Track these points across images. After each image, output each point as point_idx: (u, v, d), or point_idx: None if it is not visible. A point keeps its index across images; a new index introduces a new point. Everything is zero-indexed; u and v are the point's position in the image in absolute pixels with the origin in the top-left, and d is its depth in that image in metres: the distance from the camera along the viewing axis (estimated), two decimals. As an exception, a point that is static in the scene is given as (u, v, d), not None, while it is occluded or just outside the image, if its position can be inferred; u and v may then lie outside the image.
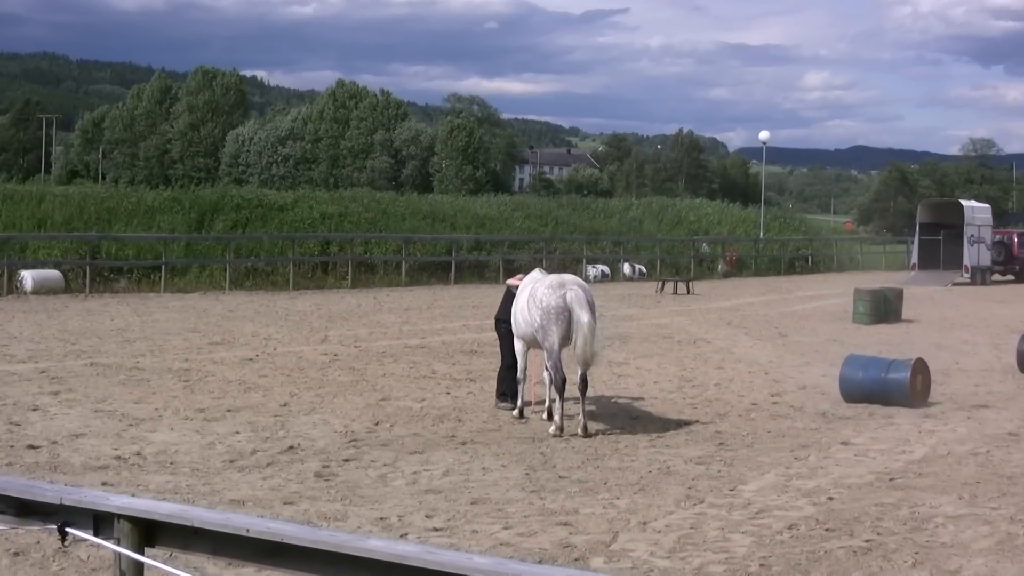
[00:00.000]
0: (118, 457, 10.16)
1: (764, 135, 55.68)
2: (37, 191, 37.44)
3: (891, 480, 9.86)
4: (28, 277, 27.15)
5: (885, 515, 8.58)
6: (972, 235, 43.61)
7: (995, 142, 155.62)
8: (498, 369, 13.75)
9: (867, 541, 7.87)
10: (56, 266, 28.47)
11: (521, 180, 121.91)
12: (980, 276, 43.36)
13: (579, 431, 11.70)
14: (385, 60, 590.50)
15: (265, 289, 30.88)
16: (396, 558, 3.57)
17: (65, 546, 4.52)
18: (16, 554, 7.14)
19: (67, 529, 4.19)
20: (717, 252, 47.23)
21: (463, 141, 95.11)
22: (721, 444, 11.42)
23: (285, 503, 8.68)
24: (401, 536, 7.71)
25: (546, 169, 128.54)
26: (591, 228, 44.96)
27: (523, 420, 12.59)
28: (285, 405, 13.10)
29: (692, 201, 62.71)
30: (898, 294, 26.89)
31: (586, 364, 11.82)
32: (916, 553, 7.59)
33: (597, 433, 11.88)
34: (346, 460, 10.27)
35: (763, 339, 21.43)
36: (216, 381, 14.66)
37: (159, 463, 10.00)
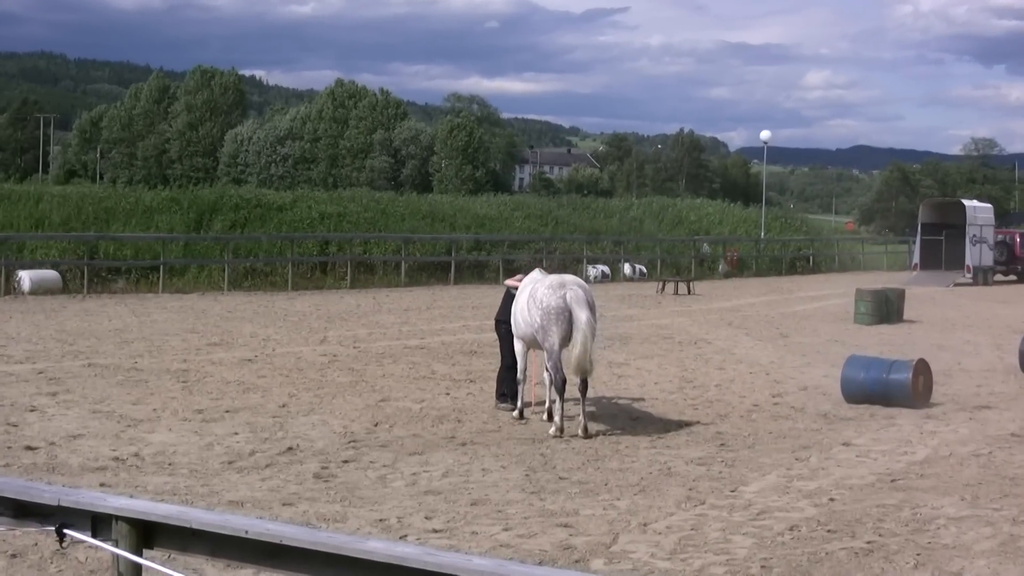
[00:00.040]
0: (116, 458, 10.12)
1: (765, 135, 55.69)
2: (35, 191, 37.39)
3: (893, 481, 9.83)
4: (26, 277, 27.10)
5: (887, 516, 8.55)
6: (974, 235, 43.56)
7: (997, 142, 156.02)
8: (498, 370, 13.73)
9: (869, 542, 7.84)
10: (54, 266, 28.43)
11: (521, 180, 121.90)
12: (982, 276, 43.33)
13: (579, 432, 11.67)
14: (385, 59, 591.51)
15: (264, 289, 30.85)
16: (395, 560, 3.55)
17: (63, 548, 4.50)
18: (14, 556, 7.11)
19: (65, 531, 4.18)
20: (718, 252, 47.20)
21: (463, 141, 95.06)
22: (722, 445, 11.39)
23: (284, 504, 8.65)
24: (400, 537, 7.68)
25: (546, 169, 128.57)
26: (591, 228, 44.92)
27: (523, 421, 12.56)
28: (284, 406, 13.06)
29: (693, 201, 62.68)
30: (900, 294, 26.85)
31: (583, 371, 11.71)
32: (918, 555, 7.56)
33: (597, 434, 11.85)
34: (345, 461, 10.23)
35: (764, 340, 21.40)
36: (215, 382, 14.63)
37: (157, 464, 9.97)
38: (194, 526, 3.97)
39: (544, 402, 12.72)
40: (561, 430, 11.69)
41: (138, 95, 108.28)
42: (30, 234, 30.06)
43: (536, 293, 12.08)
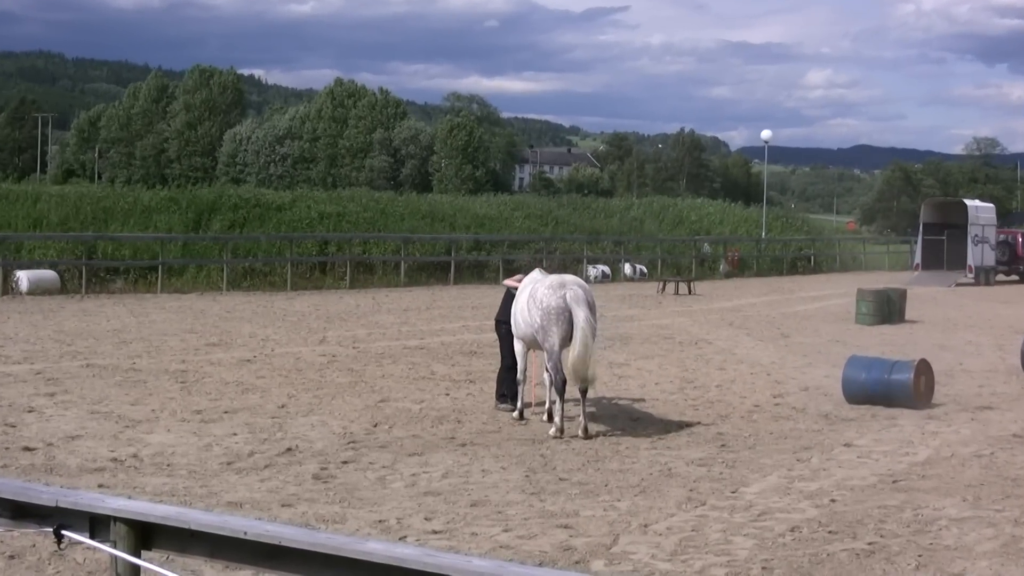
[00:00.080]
0: (114, 459, 10.09)
1: (766, 134, 55.68)
2: (33, 191, 37.30)
3: (894, 482, 9.80)
4: (24, 278, 27.07)
5: (888, 517, 8.52)
6: (976, 235, 43.54)
7: (999, 141, 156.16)
8: (498, 370, 13.70)
9: (870, 544, 7.82)
10: (52, 266, 28.39)
11: (521, 179, 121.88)
12: (984, 276, 43.31)
13: (579, 433, 11.64)
14: (384, 58, 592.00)
15: (263, 289, 30.82)
16: (395, 561, 3.54)
17: (61, 549, 4.48)
18: (11, 557, 7.08)
19: (63, 532, 4.17)
20: (719, 252, 47.21)
21: (463, 140, 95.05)
22: (723, 446, 11.36)
23: (283, 505, 8.62)
24: (400, 539, 7.65)
25: (546, 168, 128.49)
26: (591, 228, 44.90)
27: (523, 422, 12.53)
28: (283, 407, 13.03)
29: (693, 201, 62.70)
30: (901, 294, 26.82)
31: (583, 380, 11.64)
32: (920, 556, 7.54)
33: (598, 435, 11.82)
34: (344, 462, 10.20)
35: (765, 340, 21.38)
36: (213, 382, 14.60)
37: (156, 465, 9.94)
38: (193, 527, 3.96)
39: (544, 403, 12.69)
40: (561, 431, 11.65)
41: (136, 94, 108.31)
42: (28, 234, 30.01)
43: (536, 293, 12.05)
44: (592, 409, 12.73)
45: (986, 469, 10.39)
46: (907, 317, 26.02)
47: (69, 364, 15.74)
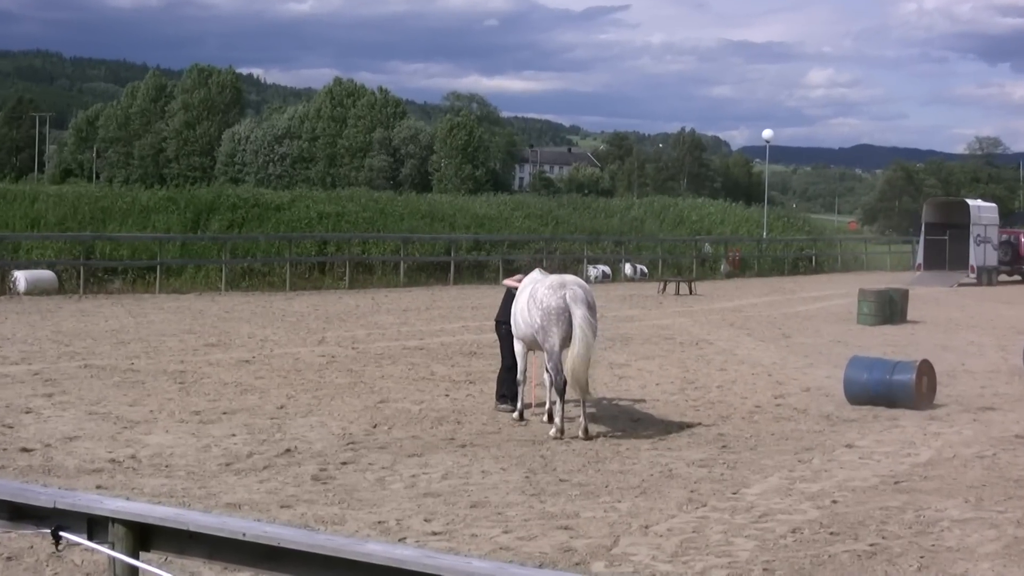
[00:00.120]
0: (112, 460, 10.06)
1: (767, 133, 55.61)
2: (30, 190, 37.27)
3: (896, 483, 9.78)
4: (21, 278, 27.05)
5: (890, 519, 8.49)
6: (978, 235, 43.52)
7: (1001, 141, 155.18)
8: (498, 371, 13.68)
9: (872, 545, 7.79)
10: (50, 266, 28.36)
11: (521, 179, 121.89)
12: (986, 276, 43.29)
13: (580, 433, 11.61)
14: (384, 58, 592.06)
15: (261, 290, 30.80)
16: (394, 562, 3.54)
17: (59, 550, 4.46)
18: (9, 558, 7.05)
19: (61, 533, 4.18)
20: (720, 252, 47.20)
21: (462, 140, 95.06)
22: (724, 447, 11.33)
23: (282, 506, 8.59)
24: (399, 540, 7.62)
25: (546, 168, 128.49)
26: (592, 228, 44.89)
27: (523, 422, 12.50)
28: (282, 407, 13.00)
29: (694, 200, 62.69)
30: (903, 295, 26.81)
31: (578, 385, 11.60)
32: (921, 557, 7.51)
33: (598, 435, 11.79)
34: (344, 463, 10.18)
35: (766, 340, 21.35)
36: (212, 383, 14.57)
37: (154, 466, 9.91)
38: (191, 528, 3.96)
39: (544, 403, 12.66)
40: (561, 432, 11.63)
41: (135, 94, 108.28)
42: (26, 234, 30.00)
43: (536, 293, 12.03)
44: (592, 410, 12.70)
45: (988, 470, 10.37)
46: (909, 317, 26.00)
47: (67, 365, 15.71)
